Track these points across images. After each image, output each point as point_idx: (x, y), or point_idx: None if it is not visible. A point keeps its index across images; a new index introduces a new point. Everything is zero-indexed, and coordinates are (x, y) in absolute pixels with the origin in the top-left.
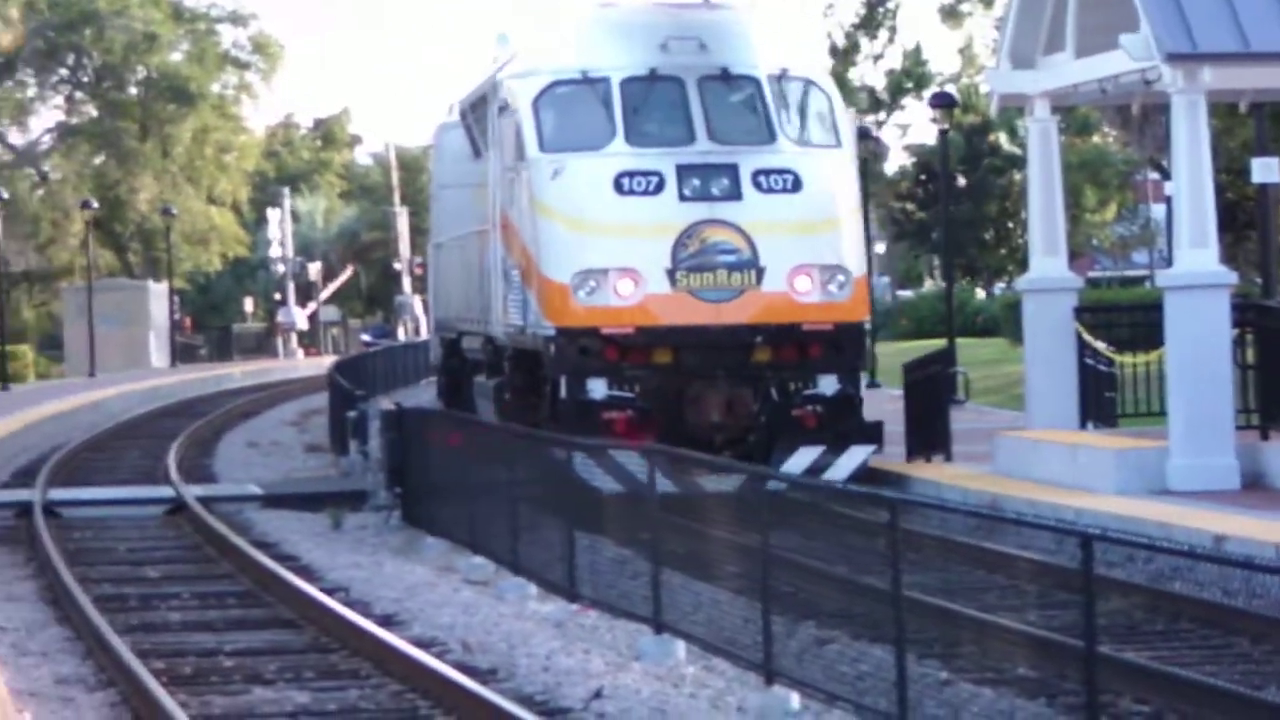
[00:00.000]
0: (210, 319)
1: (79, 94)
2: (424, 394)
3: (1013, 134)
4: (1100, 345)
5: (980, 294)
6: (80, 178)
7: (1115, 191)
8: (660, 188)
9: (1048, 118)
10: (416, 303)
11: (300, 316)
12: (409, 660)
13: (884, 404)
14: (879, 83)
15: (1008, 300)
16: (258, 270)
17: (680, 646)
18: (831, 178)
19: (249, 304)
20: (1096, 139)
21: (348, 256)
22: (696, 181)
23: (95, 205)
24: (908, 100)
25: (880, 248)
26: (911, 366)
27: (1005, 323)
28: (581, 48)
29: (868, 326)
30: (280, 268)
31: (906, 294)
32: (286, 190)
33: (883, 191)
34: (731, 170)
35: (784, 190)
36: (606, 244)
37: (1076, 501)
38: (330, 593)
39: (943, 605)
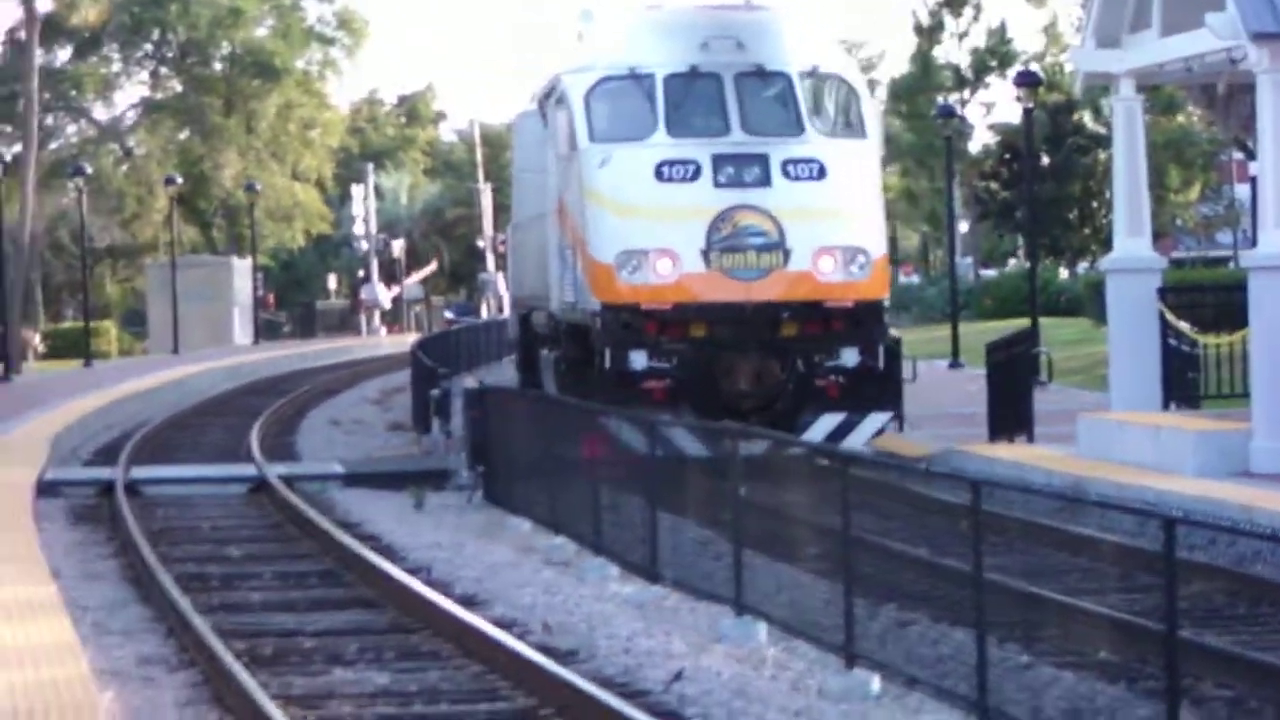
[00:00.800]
0: (294, 296)
1: (164, 69)
2: (506, 371)
3: (1097, 113)
4: (1183, 326)
5: (1064, 274)
6: (165, 153)
7: (1200, 171)
8: (697, 175)
9: (1133, 96)
10: (499, 280)
11: (384, 294)
12: (490, 641)
13: (966, 384)
14: (963, 61)
15: (1091, 280)
16: (341, 247)
17: (762, 628)
18: (855, 167)
19: (332, 281)
20: (1181, 118)
21: (431, 233)
22: (730, 170)
23: (179, 181)
24: (992, 79)
25: (964, 227)
26: (994, 346)
27: (1089, 303)
28: (630, 46)
29: (886, 304)
30: (364, 245)
31: (990, 273)
32: (370, 167)
33: (966, 170)
34: (762, 160)
35: (810, 178)
36: (647, 227)
37: (1159, 483)
38: (412, 572)
39: (1024, 588)
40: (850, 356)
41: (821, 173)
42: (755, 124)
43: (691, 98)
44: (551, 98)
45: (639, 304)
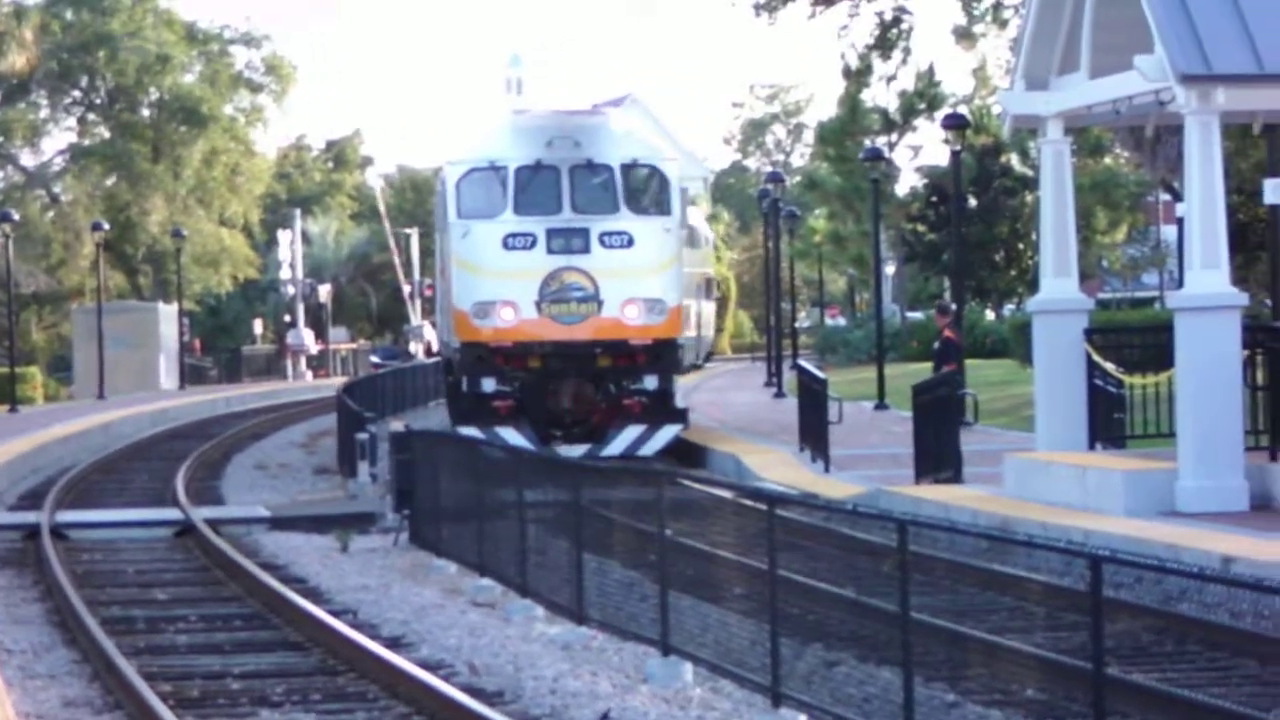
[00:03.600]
0: (220, 340)
1: (91, 115)
2: (434, 415)
3: (1024, 155)
4: (1110, 366)
5: (990, 315)
6: (91, 199)
7: (1126, 213)
8: (534, 244)
9: (1061, 139)
10: (427, 327)
11: (310, 339)
12: (416, 682)
13: (892, 425)
14: (892, 104)
15: (1017, 322)
16: (268, 292)
17: (688, 668)
18: (658, 238)
19: (258, 326)
20: (1108, 160)
21: (358, 278)
22: (560, 240)
23: (106, 227)
24: (920, 122)
25: (890, 269)
26: (920, 388)
27: (1015, 344)
28: (493, 143)
29: (680, 341)
30: (290, 289)
31: (917, 315)
32: (298, 212)
33: (893, 213)
34: (584, 232)
35: (621, 246)
36: (495, 284)
37: (1086, 523)
38: (338, 615)
39: (951, 627)
40: (651, 382)
41: (630, 242)
42: (581, 205)
43: (535, 185)
44: (439, 180)
45: (488, 342)
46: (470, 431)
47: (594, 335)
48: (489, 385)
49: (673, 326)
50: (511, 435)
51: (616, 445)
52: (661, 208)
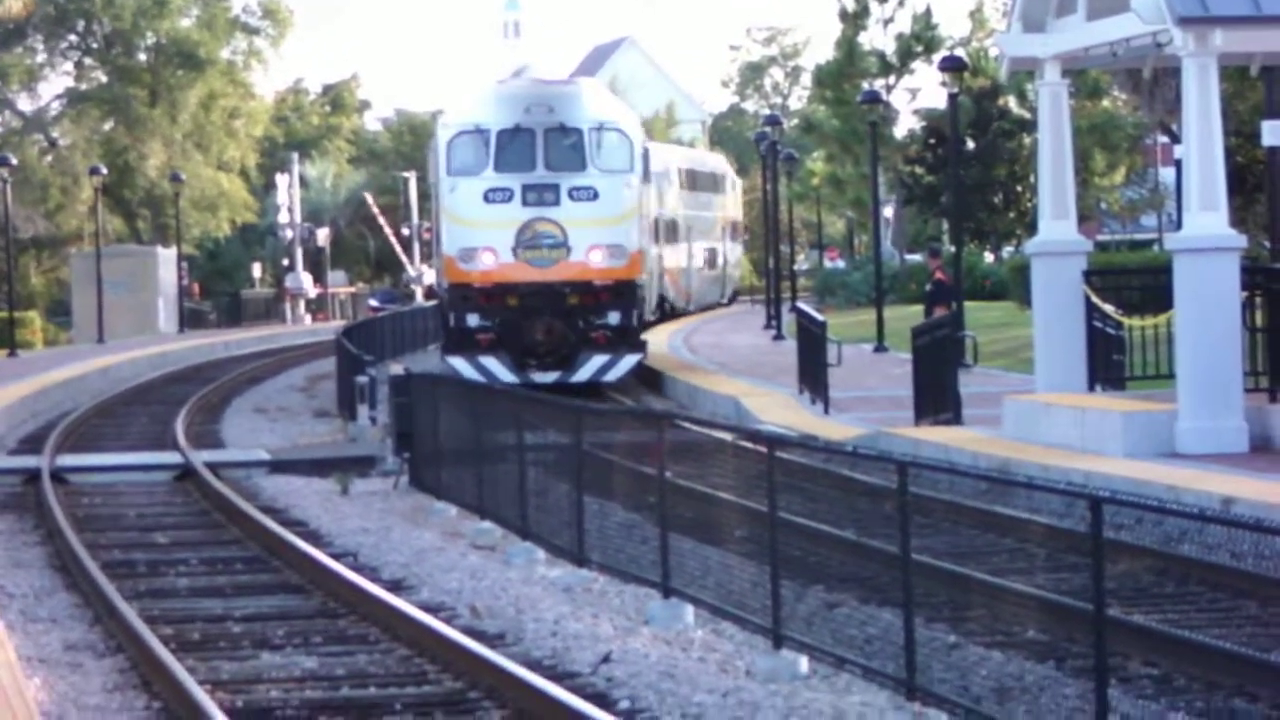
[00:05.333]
0: (219, 285)
1: (88, 60)
2: (433, 359)
3: (1022, 98)
4: (1109, 308)
5: (989, 258)
6: (89, 144)
7: (1124, 155)
8: (511, 198)
9: (1058, 81)
10: (426, 271)
11: (308, 282)
12: (417, 625)
13: (892, 368)
14: (889, 47)
15: (1016, 264)
16: (266, 236)
17: (689, 611)
18: (620, 192)
19: (257, 269)
20: (1106, 103)
21: (356, 221)
22: (534, 194)
23: (104, 171)
24: (917, 64)
25: (889, 211)
26: (920, 330)
27: (1014, 286)
28: (478, 109)
29: (640, 281)
30: (288, 233)
31: (915, 258)
32: (295, 156)
33: (891, 156)
34: (555, 188)
35: (588, 199)
36: (478, 233)
37: (1085, 464)
38: (338, 558)
39: (951, 569)
40: (614, 317)
41: (596, 195)
42: (554, 163)
43: (514, 145)
44: (432, 140)
45: (473, 284)
46: (457, 360)
47: (563, 277)
48: (473, 321)
49: (633, 269)
50: (493, 364)
51: (584, 372)
52: (625, 165)
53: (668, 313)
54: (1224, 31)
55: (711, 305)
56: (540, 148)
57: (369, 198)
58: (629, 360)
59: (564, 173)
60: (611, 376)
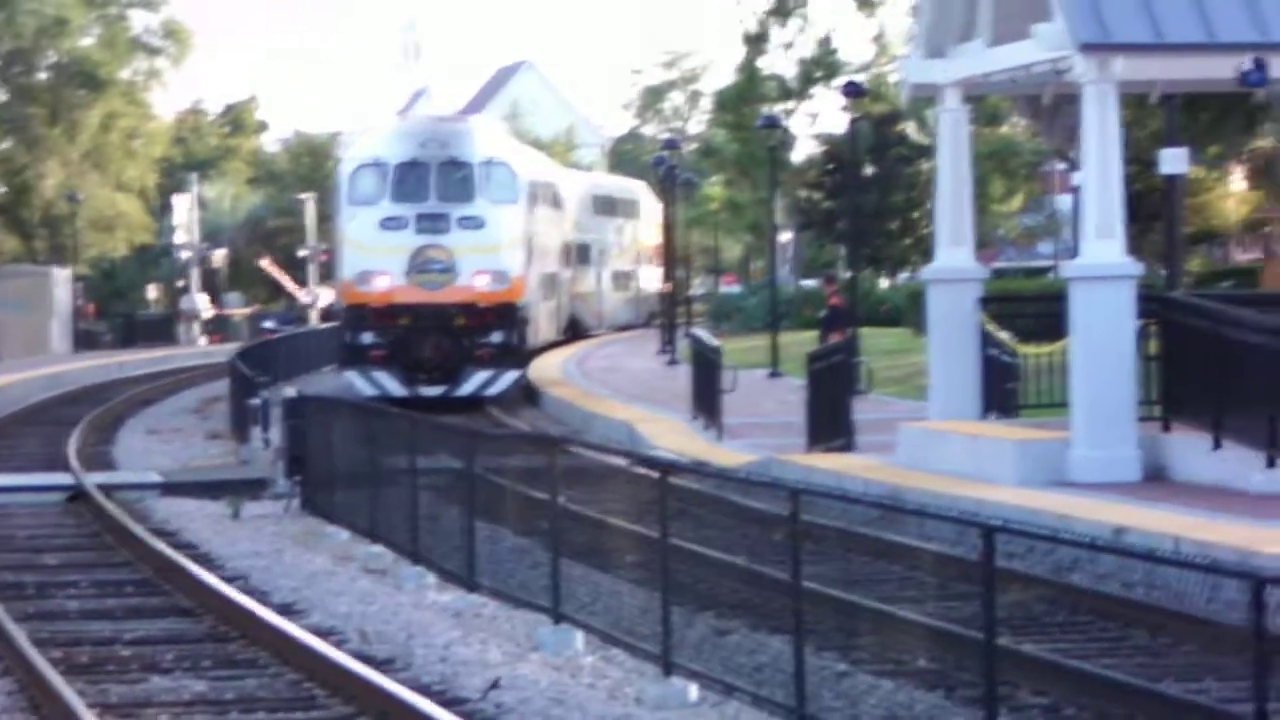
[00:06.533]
0: (114, 305)
1: None
2: (328, 381)
3: (921, 124)
4: (1003, 336)
5: (884, 283)
6: None
7: (1022, 182)
8: (405, 226)
9: (959, 107)
10: (323, 293)
11: (204, 303)
12: (307, 649)
13: (786, 394)
14: (790, 72)
15: (911, 290)
16: (162, 257)
17: (579, 637)
18: (505, 221)
19: (153, 291)
20: (1005, 129)
21: (254, 242)
22: (426, 223)
23: (2, 190)
24: (818, 89)
25: (786, 237)
26: (815, 356)
27: (909, 312)
28: (378, 144)
29: (520, 303)
30: (185, 254)
31: (811, 283)
32: (194, 176)
33: (789, 180)
34: (445, 217)
35: (475, 228)
36: (374, 258)
37: (978, 492)
38: (229, 581)
39: (842, 596)
40: (497, 336)
41: (482, 225)
42: (445, 194)
43: (409, 178)
44: (337, 172)
45: (368, 304)
46: (352, 374)
47: (451, 299)
48: (367, 338)
49: (514, 292)
50: (385, 378)
51: (468, 386)
52: (510, 197)
53: (580, 333)
54: (1125, 59)
55: (626, 326)
56: (433, 180)
57: (266, 263)
58: (510, 375)
59: (454, 203)
60: (494, 390)
